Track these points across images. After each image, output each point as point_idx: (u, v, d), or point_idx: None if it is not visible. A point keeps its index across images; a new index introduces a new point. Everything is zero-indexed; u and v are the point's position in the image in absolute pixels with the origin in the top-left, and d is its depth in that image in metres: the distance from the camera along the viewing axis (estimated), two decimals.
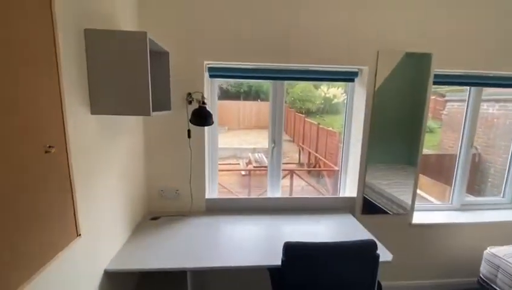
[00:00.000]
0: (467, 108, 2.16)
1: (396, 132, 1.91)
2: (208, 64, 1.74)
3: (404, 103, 1.87)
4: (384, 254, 1.29)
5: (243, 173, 6.66)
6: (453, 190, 2.28)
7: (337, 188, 2.16)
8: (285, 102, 1.95)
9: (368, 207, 1.98)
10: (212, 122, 1.60)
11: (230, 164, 7.05)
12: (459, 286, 2.20)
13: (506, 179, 2.33)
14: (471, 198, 2.34)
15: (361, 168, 1.92)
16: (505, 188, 2.34)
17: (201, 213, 1.82)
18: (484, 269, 1.81)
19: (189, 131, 1.69)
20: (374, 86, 1.81)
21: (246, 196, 1.80)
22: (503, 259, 1.70)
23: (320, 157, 7.26)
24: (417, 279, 2.17)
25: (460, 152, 2.23)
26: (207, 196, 1.87)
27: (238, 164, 7.29)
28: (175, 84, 1.58)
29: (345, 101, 2.06)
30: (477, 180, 2.77)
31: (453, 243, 2.12)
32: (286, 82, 1.92)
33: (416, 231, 2.06)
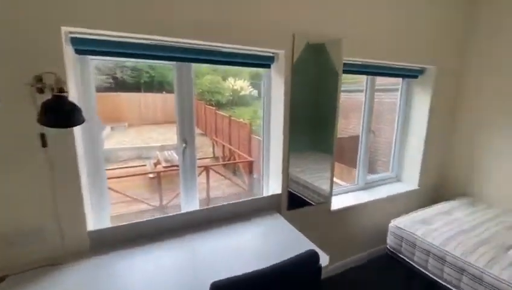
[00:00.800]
0: (365, 96, 2.35)
1: (313, 120, 1.85)
2: (71, 33, 1.16)
3: (317, 89, 1.81)
4: (322, 259, 1.14)
5: (151, 175, 5.78)
6: (358, 171, 2.48)
7: (260, 187, 1.97)
8: (194, 94, 1.57)
9: (293, 201, 1.87)
10: (83, 121, 1.04)
11: (133, 166, 6.02)
12: (371, 256, 2.45)
13: (393, 158, 2.72)
14: (370, 176, 2.62)
15: (284, 162, 1.77)
16: (392, 165, 2.73)
17: (83, 254, 1.25)
18: (390, 241, 2.01)
19: (42, 136, 1.07)
20: (292, 73, 1.66)
21: (150, 217, 1.33)
22: (405, 230, 1.90)
23: (235, 149, 7.17)
24: (341, 259, 2.28)
25: (362, 137, 2.42)
26: (90, 227, 1.30)
27: (145, 165, 6.30)
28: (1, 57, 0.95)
29: (257, 92, 1.86)
30: (374, 160, 3.19)
31: (365, 220, 2.30)
32: (194, 68, 1.53)
33: (335, 217, 2.11)
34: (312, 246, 1.33)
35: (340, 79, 1.86)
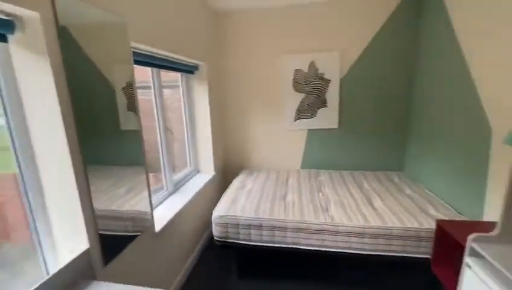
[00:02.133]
0: (154, 92, 2.11)
1: (107, 122, 1.34)
2: None
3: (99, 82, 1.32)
4: None
5: None
6: (165, 175, 2.25)
7: (37, 259, 1.13)
8: None
9: (109, 249, 1.28)
10: None
11: None
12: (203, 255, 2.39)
13: (189, 152, 2.78)
14: (175, 176, 2.50)
15: (82, 193, 1.13)
16: (190, 159, 2.79)
17: None
18: (216, 231, 2.06)
19: None
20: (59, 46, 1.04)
21: None
22: (227, 215, 2.03)
23: None
24: (177, 275, 1.98)
25: (160, 137, 2.19)
26: None
27: None
28: None
29: None
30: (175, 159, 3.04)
31: (189, 223, 2.16)
32: None
33: (162, 238, 1.77)
34: None
35: (132, 70, 1.48)
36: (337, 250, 1.90)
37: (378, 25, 2.67)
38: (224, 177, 3.22)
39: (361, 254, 1.86)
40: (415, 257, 1.79)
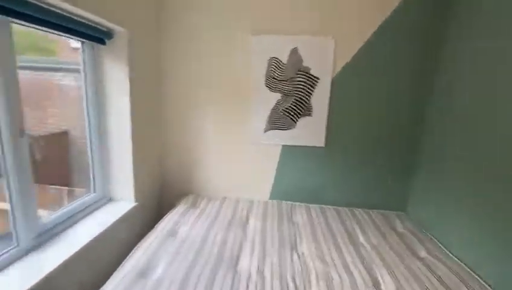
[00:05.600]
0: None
1: None
2: None
3: None
4: None
5: None
6: (13, 212, 1.20)
7: None
8: None
9: None
10: None
11: None
12: None
13: (93, 170, 1.73)
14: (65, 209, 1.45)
15: None
16: (94, 181, 1.74)
17: None
18: None
19: None
20: None
21: None
22: None
23: None
24: None
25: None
26: None
27: None
28: None
29: None
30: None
31: None
32: None
33: None
34: None
35: None
36: None
37: (394, 4, 1.87)
38: (156, 207, 2.20)
39: None
40: None
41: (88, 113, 1.64)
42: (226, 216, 1.88)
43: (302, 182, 2.19)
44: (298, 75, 2.00)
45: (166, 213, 1.89)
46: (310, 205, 2.15)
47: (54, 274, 1.14)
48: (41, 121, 2.76)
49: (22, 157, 1.18)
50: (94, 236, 1.40)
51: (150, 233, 1.59)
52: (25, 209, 1.21)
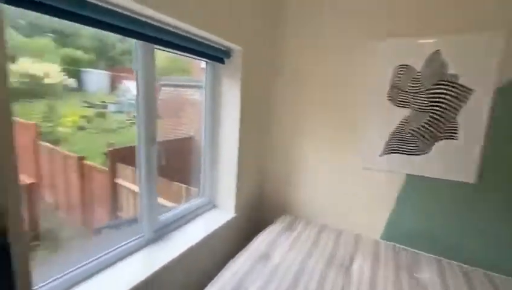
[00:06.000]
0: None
1: None
2: None
3: None
4: None
5: None
6: (142, 210, 1.42)
7: None
8: None
9: None
10: None
11: None
12: None
13: (204, 176, 1.89)
14: (184, 206, 1.65)
15: None
16: (203, 186, 1.90)
17: None
18: None
19: None
20: None
21: None
22: None
23: None
24: None
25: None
26: None
27: None
28: None
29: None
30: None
31: None
32: None
33: None
34: None
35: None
36: None
37: None
38: (251, 221, 2.19)
39: None
40: None
41: (205, 123, 1.80)
42: (326, 249, 1.62)
43: (432, 226, 1.65)
44: (438, 86, 1.53)
45: (261, 229, 1.84)
46: (442, 260, 1.58)
47: (163, 269, 1.26)
48: (175, 128, 3.34)
49: (151, 162, 1.38)
50: (196, 241, 1.49)
51: (241, 252, 1.55)
52: (149, 207, 1.41)
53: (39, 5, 0.83)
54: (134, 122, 1.35)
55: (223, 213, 1.86)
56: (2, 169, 0.69)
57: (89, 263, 1.17)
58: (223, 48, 1.64)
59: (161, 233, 1.50)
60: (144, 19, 1.13)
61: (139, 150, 1.34)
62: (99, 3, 0.96)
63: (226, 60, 1.70)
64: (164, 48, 1.33)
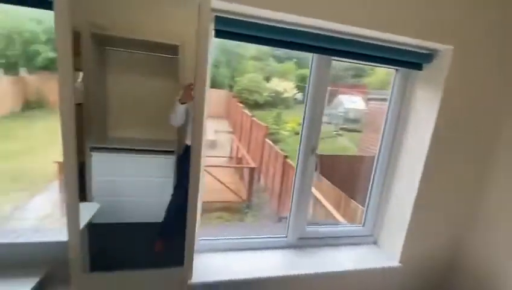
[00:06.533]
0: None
1: None
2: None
3: None
4: None
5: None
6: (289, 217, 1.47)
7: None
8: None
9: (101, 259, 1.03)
10: None
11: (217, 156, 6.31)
12: None
13: (368, 202, 1.61)
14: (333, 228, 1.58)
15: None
16: (366, 213, 1.62)
17: None
18: None
19: None
20: None
21: None
22: None
23: (244, 152, 6.49)
24: None
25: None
26: None
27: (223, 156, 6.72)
28: None
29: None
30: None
31: None
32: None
33: None
34: None
35: (207, 43, 0.95)
36: None
37: None
38: (427, 283, 1.54)
39: None
40: None
41: (382, 142, 1.52)
42: None
43: None
44: None
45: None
46: None
47: (305, 276, 1.28)
48: (372, 143, 3.13)
49: (307, 171, 1.40)
50: (346, 269, 1.33)
51: None
52: (298, 214, 1.44)
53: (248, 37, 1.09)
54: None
55: (383, 256, 1.49)
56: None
57: (241, 238, 1.41)
58: (420, 50, 1.28)
59: (305, 243, 1.48)
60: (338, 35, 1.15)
61: (299, 157, 1.40)
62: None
63: (424, 66, 1.32)
64: (342, 58, 1.27)
